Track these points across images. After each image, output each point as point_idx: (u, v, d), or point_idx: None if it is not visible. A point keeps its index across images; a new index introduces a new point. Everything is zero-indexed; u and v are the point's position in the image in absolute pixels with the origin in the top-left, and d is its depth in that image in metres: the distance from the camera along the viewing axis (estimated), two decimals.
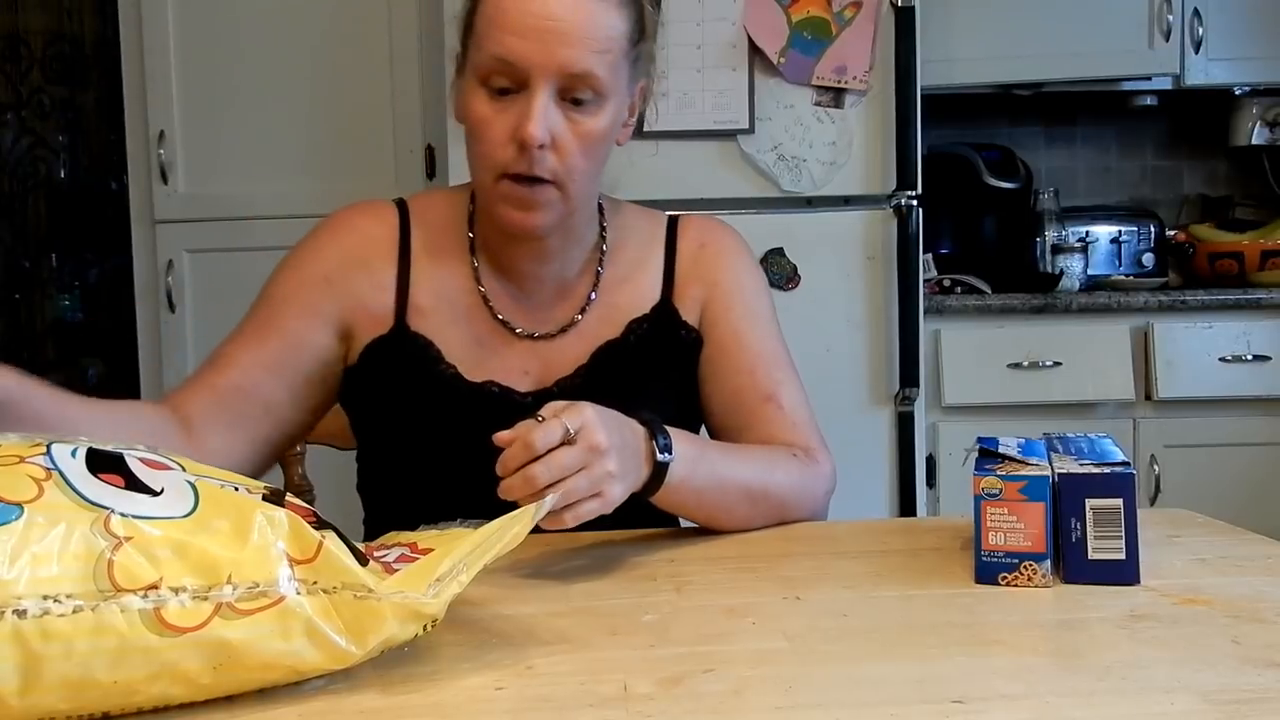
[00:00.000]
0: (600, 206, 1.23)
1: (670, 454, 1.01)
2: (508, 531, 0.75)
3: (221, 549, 0.66)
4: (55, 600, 0.61)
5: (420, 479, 1.18)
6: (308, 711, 0.66)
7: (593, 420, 0.92)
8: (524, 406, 1.16)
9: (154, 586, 0.63)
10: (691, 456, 1.04)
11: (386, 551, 0.82)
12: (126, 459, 0.70)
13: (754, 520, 1.11)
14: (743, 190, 2.36)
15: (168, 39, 2.71)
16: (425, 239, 1.20)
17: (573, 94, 1.07)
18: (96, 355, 3.35)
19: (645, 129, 2.33)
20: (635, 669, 0.72)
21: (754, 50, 2.33)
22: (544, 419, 0.92)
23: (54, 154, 3.32)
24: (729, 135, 2.35)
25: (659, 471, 1.00)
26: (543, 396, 1.17)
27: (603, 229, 1.22)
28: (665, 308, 1.22)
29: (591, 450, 0.91)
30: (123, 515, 0.65)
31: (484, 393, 1.16)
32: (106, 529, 0.64)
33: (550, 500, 0.86)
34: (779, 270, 2.36)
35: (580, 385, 1.18)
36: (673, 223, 1.26)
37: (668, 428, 1.03)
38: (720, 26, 2.34)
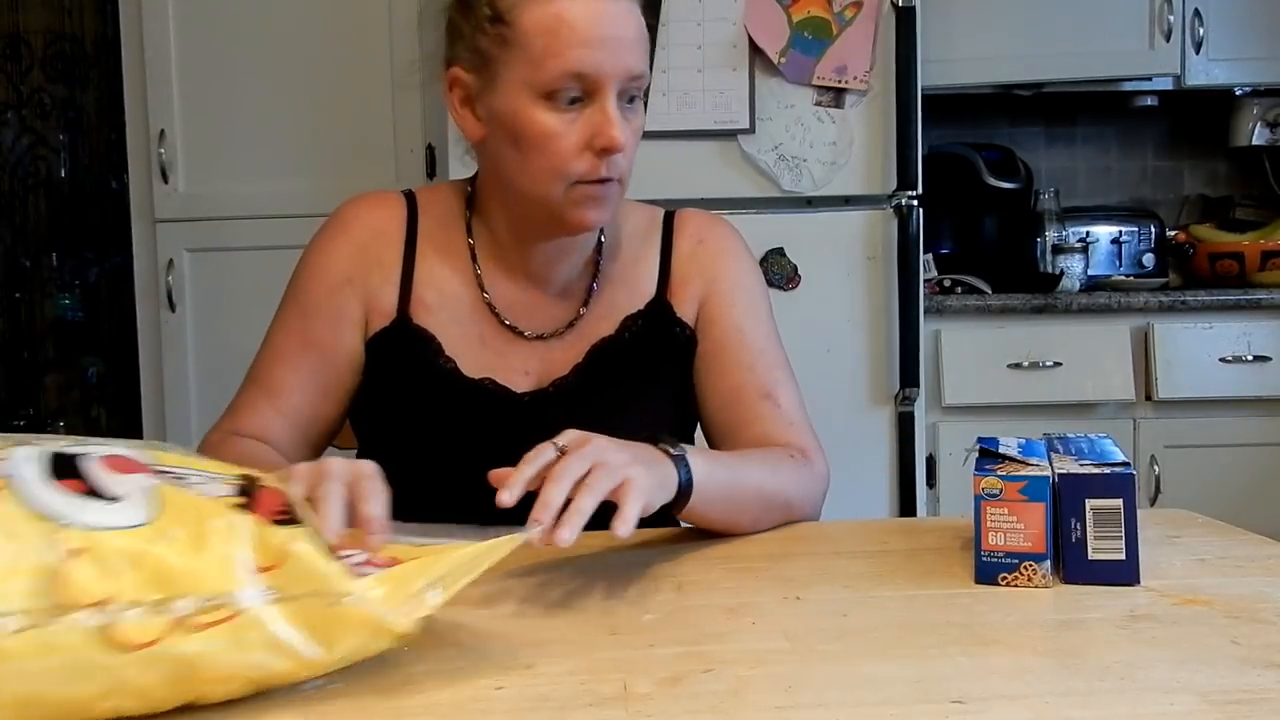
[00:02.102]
0: None
1: (685, 453, 0.99)
2: (496, 552, 0.73)
3: (179, 558, 0.64)
4: (5, 618, 0.59)
5: (417, 473, 1.16)
6: (307, 711, 0.66)
7: (579, 433, 0.91)
8: (520, 405, 1.17)
9: (107, 601, 0.61)
10: (704, 461, 1.02)
11: (351, 554, 0.79)
12: (88, 462, 0.68)
13: (764, 523, 1.10)
14: (743, 190, 2.36)
15: (168, 39, 2.71)
16: (431, 234, 1.21)
17: (628, 94, 1.10)
18: (96, 355, 3.34)
19: (645, 129, 2.35)
20: (635, 669, 0.72)
21: (754, 50, 2.33)
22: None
23: (54, 153, 3.31)
24: (729, 135, 2.35)
25: (684, 475, 0.97)
26: (539, 397, 1.17)
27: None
28: (660, 304, 1.22)
29: (588, 447, 0.89)
30: (76, 527, 0.63)
31: (481, 389, 1.16)
32: (58, 542, 0.62)
33: (536, 531, 0.83)
34: (779, 270, 2.36)
35: (576, 384, 1.18)
36: (669, 217, 1.26)
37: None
38: (720, 26, 2.33)
